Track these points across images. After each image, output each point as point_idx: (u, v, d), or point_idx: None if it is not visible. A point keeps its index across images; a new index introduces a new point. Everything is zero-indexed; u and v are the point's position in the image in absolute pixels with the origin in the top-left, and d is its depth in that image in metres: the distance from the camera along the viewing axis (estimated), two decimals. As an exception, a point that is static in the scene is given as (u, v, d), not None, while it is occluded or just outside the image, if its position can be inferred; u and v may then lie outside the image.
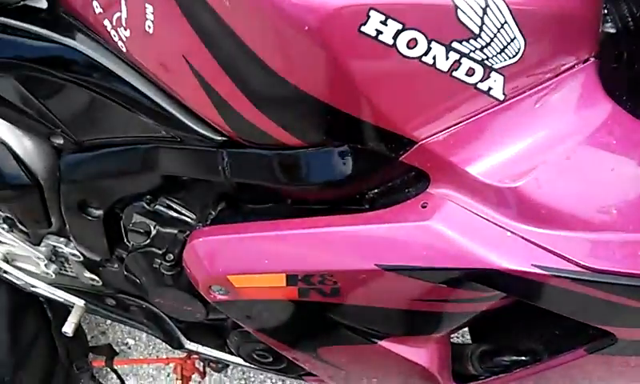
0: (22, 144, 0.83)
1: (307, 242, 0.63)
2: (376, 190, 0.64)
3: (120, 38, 0.64)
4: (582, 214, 0.54)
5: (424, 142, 0.56)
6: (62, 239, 0.96)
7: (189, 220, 0.81)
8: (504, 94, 0.55)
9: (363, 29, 0.50)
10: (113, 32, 0.64)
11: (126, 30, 0.63)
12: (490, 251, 0.55)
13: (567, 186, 0.54)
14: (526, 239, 0.54)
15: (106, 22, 0.64)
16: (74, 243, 0.93)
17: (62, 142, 0.79)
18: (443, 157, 0.57)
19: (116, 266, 0.94)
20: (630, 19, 0.59)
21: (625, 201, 0.54)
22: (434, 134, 0.56)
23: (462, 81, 0.54)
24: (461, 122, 0.56)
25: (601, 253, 0.53)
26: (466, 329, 0.87)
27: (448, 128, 0.56)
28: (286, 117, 0.60)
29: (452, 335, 0.76)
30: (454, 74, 0.53)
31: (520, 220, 0.55)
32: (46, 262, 0.99)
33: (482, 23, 0.52)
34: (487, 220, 0.56)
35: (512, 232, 0.55)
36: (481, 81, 0.54)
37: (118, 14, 0.62)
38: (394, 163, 0.59)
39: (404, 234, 0.58)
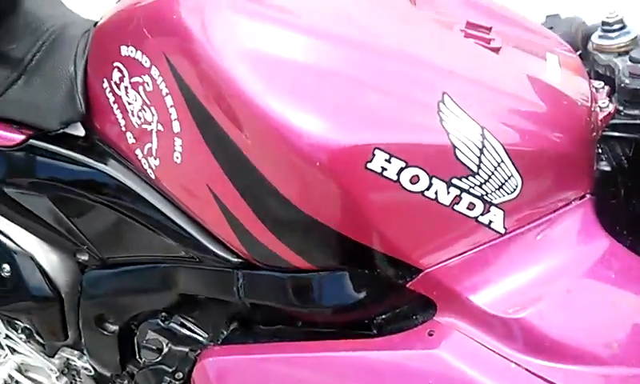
0: (48, 258, 0.87)
1: (314, 366, 0.64)
2: (384, 316, 0.65)
3: (150, 166, 0.70)
4: (584, 348, 0.55)
5: (429, 270, 0.59)
6: (76, 352, 0.97)
7: (201, 338, 0.82)
8: (504, 227, 0.58)
9: (369, 165, 0.55)
10: (143, 160, 0.70)
11: (155, 159, 0.68)
12: (493, 383, 0.56)
13: (569, 319, 0.56)
14: (529, 371, 0.55)
15: (138, 151, 0.70)
16: (87, 357, 0.94)
17: (86, 258, 0.83)
18: (448, 285, 0.59)
19: (126, 382, 0.94)
20: (623, 158, 0.63)
21: (626, 335, 0.55)
22: (439, 263, 0.59)
23: (464, 214, 0.57)
24: (465, 253, 0.59)
25: (602, 387, 0.53)
26: None
27: (452, 258, 0.59)
28: (300, 242, 0.63)
29: None
30: (456, 207, 0.57)
31: (524, 351, 0.56)
32: (58, 374, 0.99)
33: (480, 162, 0.56)
34: (492, 350, 0.57)
35: (516, 363, 0.56)
36: (481, 214, 0.57)
37: (149, 145, 0.68)
38: (402, 290, 0.61)
39: (410, 362, 0.59)
